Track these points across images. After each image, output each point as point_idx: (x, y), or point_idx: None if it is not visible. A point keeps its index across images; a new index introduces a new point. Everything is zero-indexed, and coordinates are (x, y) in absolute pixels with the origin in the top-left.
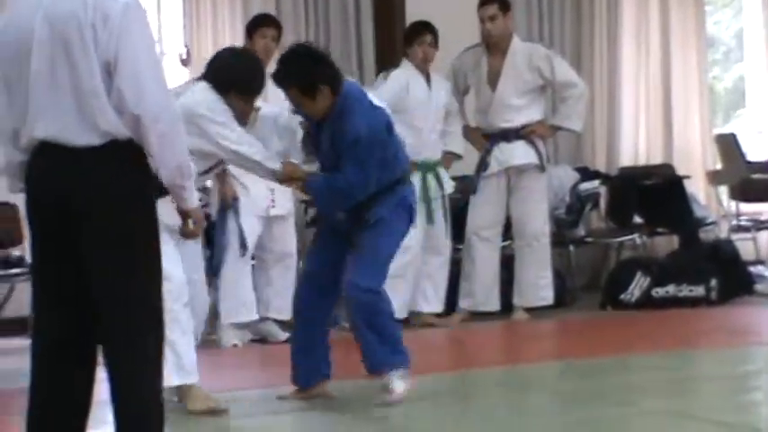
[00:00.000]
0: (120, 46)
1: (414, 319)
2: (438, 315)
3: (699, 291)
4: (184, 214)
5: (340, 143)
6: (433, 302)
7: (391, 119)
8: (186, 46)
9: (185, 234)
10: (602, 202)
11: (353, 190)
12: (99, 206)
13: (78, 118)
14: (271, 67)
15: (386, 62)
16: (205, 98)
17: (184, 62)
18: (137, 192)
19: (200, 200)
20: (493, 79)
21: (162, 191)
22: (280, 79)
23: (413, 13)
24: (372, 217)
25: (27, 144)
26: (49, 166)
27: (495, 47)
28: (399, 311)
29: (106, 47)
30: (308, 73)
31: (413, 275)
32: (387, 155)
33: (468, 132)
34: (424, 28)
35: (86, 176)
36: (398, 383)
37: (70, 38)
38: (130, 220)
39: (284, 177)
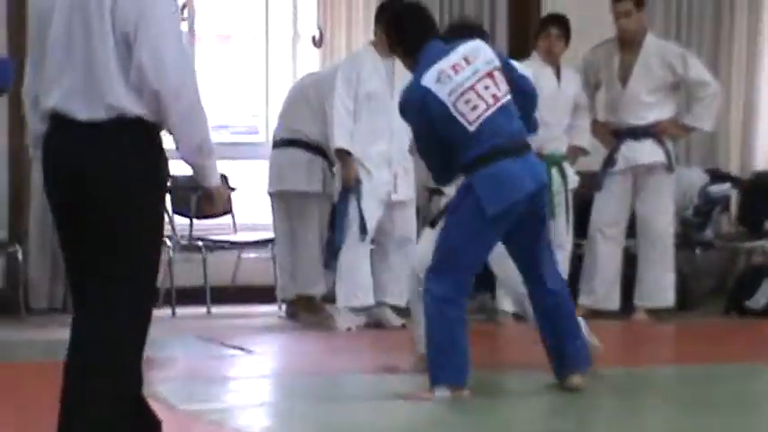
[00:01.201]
0: (141, 18)
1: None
2: None
3: None
4: (207, 192)
5: None
6: None
7: (432, 97)
8: (319, 28)
9: (204, 211)
10: (733, 206)
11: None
12: (98, 186)
13: (86, 89)
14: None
15: (518, 54)
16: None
17: (317, 44)
18: (140, 175)
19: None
20: (624, 75)
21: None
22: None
23: (549, 7)
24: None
25: (42, 113)
26: (56, 137)
27: (628, 43)
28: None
29: (125, 17)
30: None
31: None
32: (441, 134)
33: (596, 128)
34: (550, 21)
35: (86, 153)
36: (442, 393)
37: (88, 6)
38: (129, 204)
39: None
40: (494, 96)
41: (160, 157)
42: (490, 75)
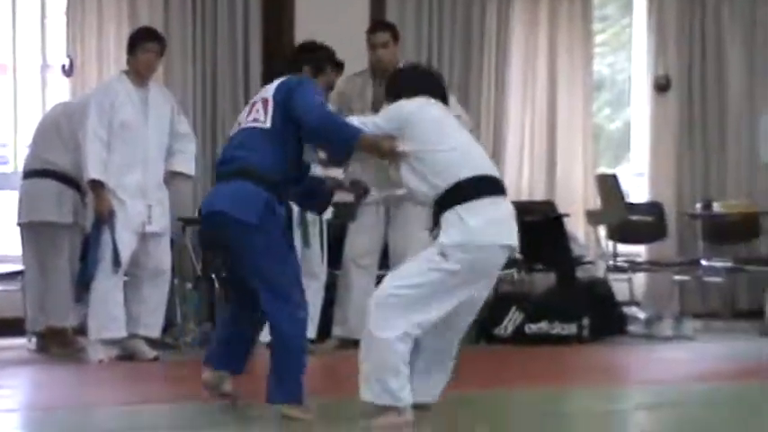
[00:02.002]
0: None
1: None
2: (311, 341)
3: (571, 329)
4: None
5: None
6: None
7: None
8: (69, 56)
9: None
10: None
11: None
12: None
13: None
14: (155, 80)
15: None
16: None
17: (67, 73)
18: None
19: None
20: (377, 107)
21: None
22: None
23: (302, 35)
24: None
25: None
26: None
27: (381, 74)
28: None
29: None
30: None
31: None
32: None
33: None
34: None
35: None
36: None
37: None
38: None
39: None
40: (254, 119)
41: None
42: (258, 103)
